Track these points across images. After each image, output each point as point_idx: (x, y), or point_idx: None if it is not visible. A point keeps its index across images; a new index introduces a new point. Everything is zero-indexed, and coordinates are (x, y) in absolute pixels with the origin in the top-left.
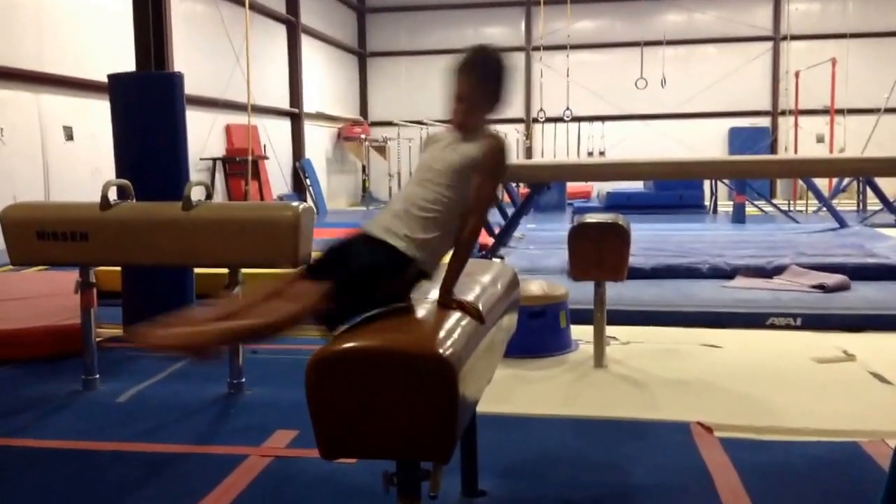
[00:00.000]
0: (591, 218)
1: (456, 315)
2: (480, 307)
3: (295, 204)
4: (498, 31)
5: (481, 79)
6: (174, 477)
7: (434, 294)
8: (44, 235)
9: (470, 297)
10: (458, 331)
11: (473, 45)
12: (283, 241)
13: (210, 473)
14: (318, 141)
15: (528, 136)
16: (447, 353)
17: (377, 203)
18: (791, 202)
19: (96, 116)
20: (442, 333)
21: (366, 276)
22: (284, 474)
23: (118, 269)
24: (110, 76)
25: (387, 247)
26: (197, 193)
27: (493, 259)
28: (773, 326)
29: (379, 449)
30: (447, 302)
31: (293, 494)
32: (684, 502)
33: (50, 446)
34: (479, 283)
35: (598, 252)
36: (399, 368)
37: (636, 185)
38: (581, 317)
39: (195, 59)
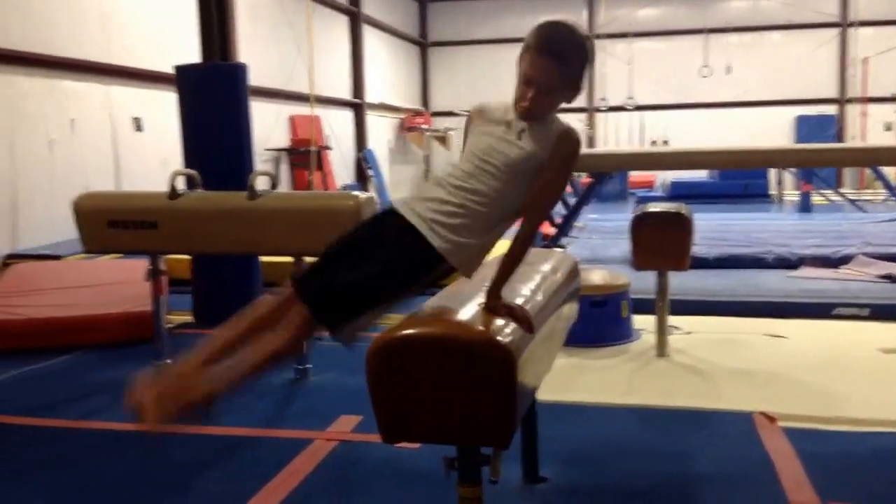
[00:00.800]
0: (654, 207)
1: (516, 303)
2: (531, 312)
3: (356, 193)
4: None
5: (566, 64)
6: (242, 459)
7: None
8: (115, 224)
9: (531, 286)
10: None
11: (556, 21)
12: (344, 230)
13: (276, 456)
14: (381, 131)
15: (591, 124)
16: (506, 340)
17: None
18: (858, 191)
19: (164, 107)
20: (501, 321)
21: (382, 280)
22: (349, 458)
23: (188, 257)
24: (177, 67)
25: (420, 244)
26: (263, 183)
27: (555, 248)
28: (839, 317)
29: (439, 434)
30: (494, 306)
31: (357, 478)
32: (746, 491)
33: (121, 429)
34: (539, 271)
35: (661, 241)
36: (458, 356)
37: (700, 175)
38: (644, 307)
39: (259, 51)
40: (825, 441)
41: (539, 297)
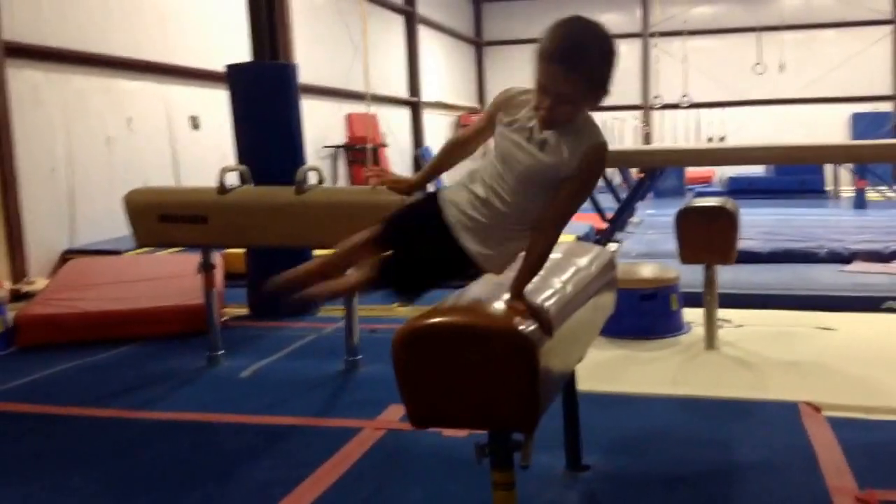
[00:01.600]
0: (698, 202)
1: (543, 295)
2: (552, 313)
3: None
4: (614, 18)
5: (577, 71)
6: (292, 447)
7: None
8: (166, 218)
9: (562, 277)
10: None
11: (566, 22)
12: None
13: (326, 444)
14: (437, 129)
15: (646, 122)
16: (527, 329)
17: None
18: None
19: (221, 106)
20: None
21: (425, 267)
22: (397, 446)
23: (244, 251)
24: (229, 66)
25: (458, 249)
26: (312, 178)
27: (609, 244)
28: (889, 310)
29: (464, 419)
30: (516, 305)
31: (405, 465)
32: (787, 478)
33: (175, 418)
34: (574, 263)
35: (706, 235)
36: (481, 344)
37: (757, 170)
38: (696, 300)
39: (317, 50)
40: (868, 430)
41: (569, 289)
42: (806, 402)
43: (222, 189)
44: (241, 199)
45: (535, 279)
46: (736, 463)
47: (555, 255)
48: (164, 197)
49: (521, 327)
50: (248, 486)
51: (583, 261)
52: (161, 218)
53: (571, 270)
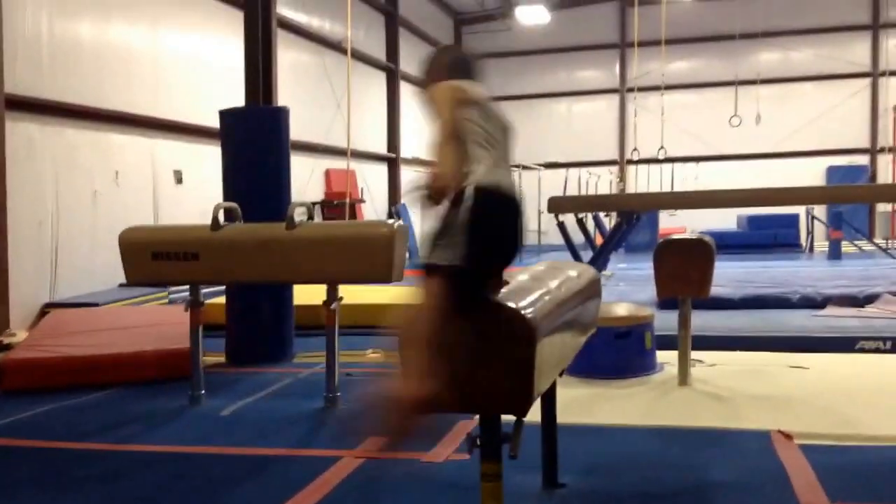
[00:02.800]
0: (677, 236)
1: (541, 290)
2: (547, 309)
3: (390, 222)
4: (592, 74)
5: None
6: (271, 475)
7: (521, 276)
8: (158, 256)
9: (554, 283)
10: (541, 299)
11: None
12: (378, 256)
13: (305, 472)
14: None
15: (622, 177)
16: (528, 312)
17: None
18: (889, 240)
19: (204, 161)
20: (528, 298)
21: None
22: (376, 473)
23: (222, 303)
24: (221, 111)
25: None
26: (300, 215)
27: None
28: (862, 350)
29: (462, 403)
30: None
31: (383, 490)
32: (758, 495)
33: (158, 450)
34: (564, 273)
35: (683, 268)
36: (482, 326)
37: (730, 225)
38: (669, 343)
39: (299, 106)
40: (839, 454)
41: (562, 290)
42: (778, 430)
43: (215, 225)
44: (233, 235)
45: (531, 282)
46: (708, 484)
47: (542, 267)
48: (157, 234)
49: (521, 310)
50: None
51: (572, 272)
52: (154, 255)
53: (562, 276)
